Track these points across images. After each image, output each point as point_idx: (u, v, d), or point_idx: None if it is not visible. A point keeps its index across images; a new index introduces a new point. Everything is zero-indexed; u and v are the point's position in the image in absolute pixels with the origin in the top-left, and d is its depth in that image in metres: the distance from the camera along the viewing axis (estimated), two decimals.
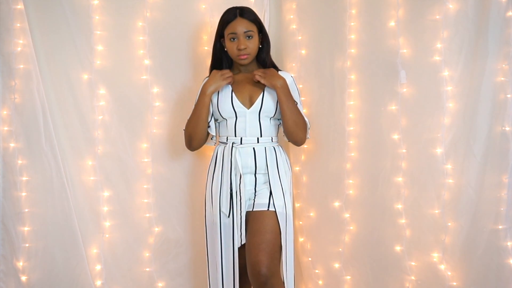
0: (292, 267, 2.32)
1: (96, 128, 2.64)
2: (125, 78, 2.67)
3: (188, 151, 2.64)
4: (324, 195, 2.69)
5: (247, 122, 2.32)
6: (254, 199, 2.30)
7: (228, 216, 2.28)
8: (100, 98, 2.64)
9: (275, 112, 2.35)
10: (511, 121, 2.30)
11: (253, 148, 2.32)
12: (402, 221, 2.51)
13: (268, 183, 2.30)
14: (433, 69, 2.40)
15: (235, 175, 2.28)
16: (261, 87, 2.35)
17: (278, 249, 2.22)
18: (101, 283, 2.66)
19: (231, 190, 2.28)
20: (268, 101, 2.33)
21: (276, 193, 2.28)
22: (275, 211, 2.24)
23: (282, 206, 2.28)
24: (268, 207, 2.25)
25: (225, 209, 2.28)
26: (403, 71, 2.44)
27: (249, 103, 2.34)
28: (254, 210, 2.27)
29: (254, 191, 2.32)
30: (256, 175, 2.32)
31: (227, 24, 2.33)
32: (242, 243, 2.27)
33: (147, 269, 2.72)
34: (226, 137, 2.37)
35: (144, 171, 2.70)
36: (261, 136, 2.34)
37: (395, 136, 2.50)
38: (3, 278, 2.52)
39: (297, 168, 2.78)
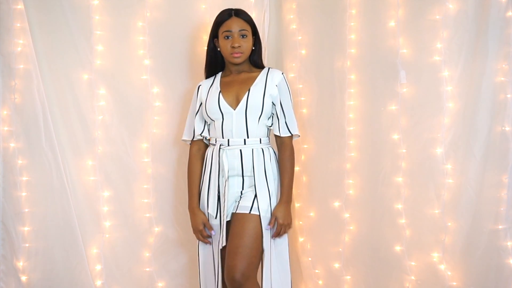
0: (289, 271, 2.30)
1: (96, 128, 2.64)
2: (125, 78, 2.67)
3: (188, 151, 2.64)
4: (324, 195, 2.69)
5: (234, 122, 2.28)
6: (239, 201, 2.27)
7: (216, 217, 2.27)
8: (100, 98, 2.64)
9: (262, 110, 2.29)
10: (511, 121, 2.30)
11: (240, 150, 2.28)
12: (402, 221, 2.50)
13: (254, 186, 2.27)
14: (433, 69, 2.40)
15: (222, 177, 2.27)
16: (247, 86, 2.31)
17: (256, 253, 2.17)
18: (101, 283, 2.66)
19: (218, 192, 2.27)
20: (253, 98, 2.27)
21: (262, 196, 2.24)
22: (259, 214, 2.21)
23: (266, 209, 2.23)
24: (251, 210, 2.21)
25: (212, 210, 2.26)
26: (403, 71, 2.44)
27: (235, 104, 2.30)
28: (237, 212, 2.24)
29: (240, 194, 2.29)
30: (244, 177, 2.29)
31: (222, 23, 2.32)
32: (223, 245, 2.23)
33: (147, 269, 2.72)
34: (215, 139, 2.34)
35: (144, 171, 2.70)
36: (248, 137, 2.29)
37: (395, 136, 2.50)
38: (3, 278, 2.52)
39: (297, 168, 2.77)
